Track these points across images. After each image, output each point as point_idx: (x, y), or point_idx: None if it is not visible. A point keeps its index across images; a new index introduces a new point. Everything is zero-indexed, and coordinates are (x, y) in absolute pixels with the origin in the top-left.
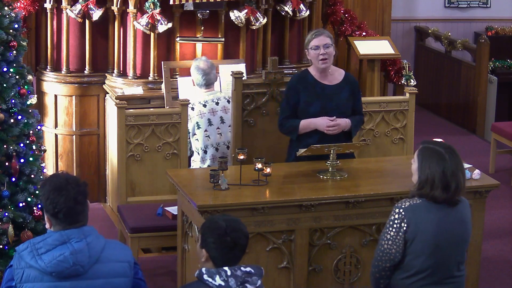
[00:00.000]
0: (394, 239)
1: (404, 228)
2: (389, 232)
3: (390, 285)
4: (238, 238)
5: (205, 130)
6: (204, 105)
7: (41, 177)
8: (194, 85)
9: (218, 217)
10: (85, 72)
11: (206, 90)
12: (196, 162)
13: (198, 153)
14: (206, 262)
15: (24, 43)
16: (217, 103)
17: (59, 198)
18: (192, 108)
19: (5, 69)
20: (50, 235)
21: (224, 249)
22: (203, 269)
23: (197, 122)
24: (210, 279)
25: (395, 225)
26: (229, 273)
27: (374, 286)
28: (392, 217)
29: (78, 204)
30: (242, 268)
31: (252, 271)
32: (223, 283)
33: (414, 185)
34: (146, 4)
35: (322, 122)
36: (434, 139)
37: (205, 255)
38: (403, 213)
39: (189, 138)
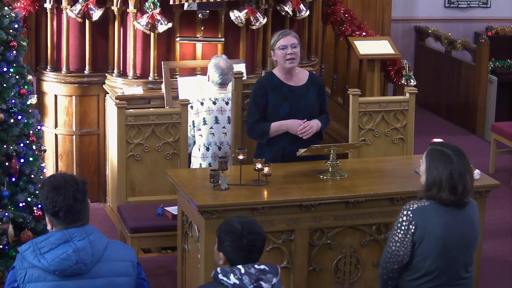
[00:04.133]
0: (402, 241)
1: (412, 230)
2: (397, 234)
3: (398, 287)
4: (254, 240)
5: (211, 127)
6: (214, 103)
7: (41, 177)
8: (208, 80)
9: (233, 219)
10: (85, 72)
11: (219, 89)
12: (196, 158)
13: (199, 149)
14: (224, 264)
15: (24, 43)
16: (227, 103)
17: (58, 197)
18: (202, 103)
19: (5, 69)
20: (52, 234)
21: (242, 252)
22: (218, 269)
23: (204, 118)
24: (224, 278)
25: (403, 227)
26: (243, 271)
27: (382, 287)
28: (400, 219)
29: (77, 202)
30: (256, 266)
31: (267, 268)
32: (237, 281)
33: (422, 186)
34: (146, 4)
35: (293, 125)
36: (434, 139)
37: (223, 258)
38: (411, 215)
39: (193, 132)
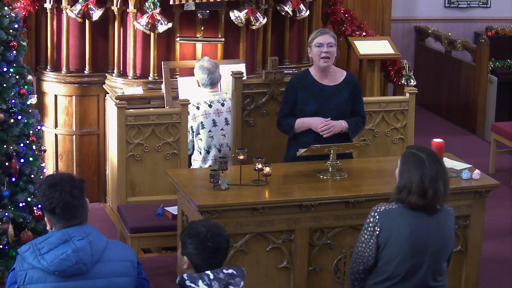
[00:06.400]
0: (368, 242)
1: (377, 232)
2: (363, 235)
3: None
4: (219, 242)
5: (209, 131)
6: (210, 105)
7: (41, 177)
8: (199, 85)
9: (197, 223)
10: (85, 72)
11: (212, 90)
12: (197, 162)
13: (200, 153)
14: (188, 269)
15: (24, 43)
16: (222, 104)
17: (54, 193)
18: (198, 108)
19: (5, 69)
20: (51, 235)
21: (206, 255)
22: (185, 275)
23: (201, 122)
24: (193, 285)
25: (369, 228)
26: (211, 276)
27: (351, 287)
28: (368, 220)
29: (74, 198)
30: (224, 271)
31: (235, 272)
32: (206, 287)
33: (394, 189)
34: (146, 4)
35: (316, 122)
36: (434, 140)
37: (187, 262)
38: (377, 217)
39: (193, 137)
